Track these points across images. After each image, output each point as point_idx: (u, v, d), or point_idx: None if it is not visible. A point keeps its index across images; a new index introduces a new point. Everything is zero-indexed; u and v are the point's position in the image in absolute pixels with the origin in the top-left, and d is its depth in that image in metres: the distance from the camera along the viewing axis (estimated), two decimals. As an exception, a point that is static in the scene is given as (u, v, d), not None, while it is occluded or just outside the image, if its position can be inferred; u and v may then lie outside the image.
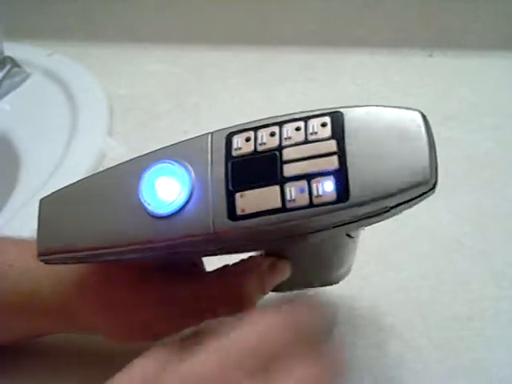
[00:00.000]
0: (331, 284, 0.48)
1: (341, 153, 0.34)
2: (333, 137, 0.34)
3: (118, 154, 0.70)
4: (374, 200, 0.33)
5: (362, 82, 0.76)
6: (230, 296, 0.41)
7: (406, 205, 0.34)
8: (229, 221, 0.35)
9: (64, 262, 0.41)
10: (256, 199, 0.34)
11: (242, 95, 0.77)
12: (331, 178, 0.33)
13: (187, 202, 0.36)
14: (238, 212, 0.35)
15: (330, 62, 0.79)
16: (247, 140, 0.36)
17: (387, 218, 0.36)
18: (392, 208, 0.34)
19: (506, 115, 0.69)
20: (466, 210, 0.60)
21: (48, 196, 0.42)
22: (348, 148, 0.34)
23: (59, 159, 0.70)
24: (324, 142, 0.34)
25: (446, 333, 0.50)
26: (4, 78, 0.81)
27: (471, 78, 0.75)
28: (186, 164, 0.37)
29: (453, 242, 0.57)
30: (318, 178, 0.34)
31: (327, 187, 0.33)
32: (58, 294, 0.44)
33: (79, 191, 0.41)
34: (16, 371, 0.49)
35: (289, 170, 0.34)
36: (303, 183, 0.34)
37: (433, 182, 0.33)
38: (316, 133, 0.35)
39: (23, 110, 0.80)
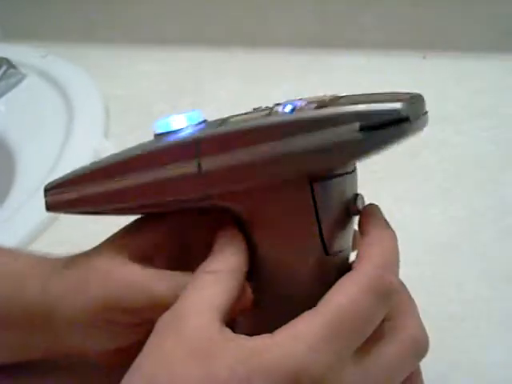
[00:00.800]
0: None
1: (331, 102, 0.37)
2: (328, 98, 0.37)
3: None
4: (343, 115, 0.35)
5: (356, 84, 0.76)
6: None
7: (378, 134, 0.35)
8: (209, 130, 0.38)
9: (68, 205, 0.43)
10: (243, 120, 0.38)
11: (237, 96, 0.77)
12: (313, 104, 0.36)
13: (186, 128, 0.40)
14: (220, 126, 0.38)
15: (325, 63, 0.80)
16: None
17: (363, 152, 0.36)
18: (363, 132, 0.34)
19: (499, 116, 0.70)
20: (460, 211, 0.60)
21: None
22: (340, 100, 0.37)
23: (55, 160, 0.70)
24: (318, 99, 0.37)
25: (440, 334, 0.50)
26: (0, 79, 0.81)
27: (465, 79, 0.75)
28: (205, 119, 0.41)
29: (446, 243, 0.57)
30: (303, 105, 0.37)
31: (306, 107, 0.36)
32: (43, 303, 0.43)
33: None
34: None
35: (281, 106, 0.38)
36: (289, 107, 0.37)
37: (406, 112, 0.34)
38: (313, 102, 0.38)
39: (19, 112, 0.80)
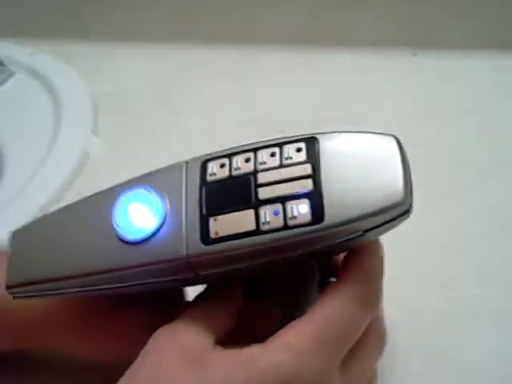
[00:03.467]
0: None
1: (315, 176, 0.34)
2: (308, 161, 0.35)
3: (102, 152, 0.70)
4: (348, 222, 0.33)
5: (345, 82, 0.76)
6: None
7: (381, 228, 0.34)
8: (202, 244, 0.34)
9: (34, 295, 0.39)
10: (230, 222, 0.34)
11: (225, 94, 0.77)
12: (306, 200, 0.33)
13: (160, 228, 0.36)
14: (212, 235, 0.34)
15: (315, 61, 0.79)
16: (222, 166, 0.36)
17: (363, 242, 0.37)
18: (367, 231, 0.34)
19: (487, 114, 0.70)
20: (449, 209, 0.60)
21: (20, 227, 0.41)
22: (323, 172, 0.34)
23: (43, 158, 0.69)
24: (299, 166, 0.35)
25: (430, 331, 0.51)
26: (-13, 76, 0.81)
27: (454, 77, 0.75)
28: (160, 190, 0.37)
29: (435, 241, 0.57)
30: (293, 201, 0.34)
31: (302, 209, 0.33)
32: (28, 307, 0.43)
33: (52, 221, 0.40)
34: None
35: (263, 193, 0.34)
36: (278, 206, 0.34)
37: (407, 204, 0.34)
38: (291, 158, 0.35)
39: (6, 109, 0.80)
